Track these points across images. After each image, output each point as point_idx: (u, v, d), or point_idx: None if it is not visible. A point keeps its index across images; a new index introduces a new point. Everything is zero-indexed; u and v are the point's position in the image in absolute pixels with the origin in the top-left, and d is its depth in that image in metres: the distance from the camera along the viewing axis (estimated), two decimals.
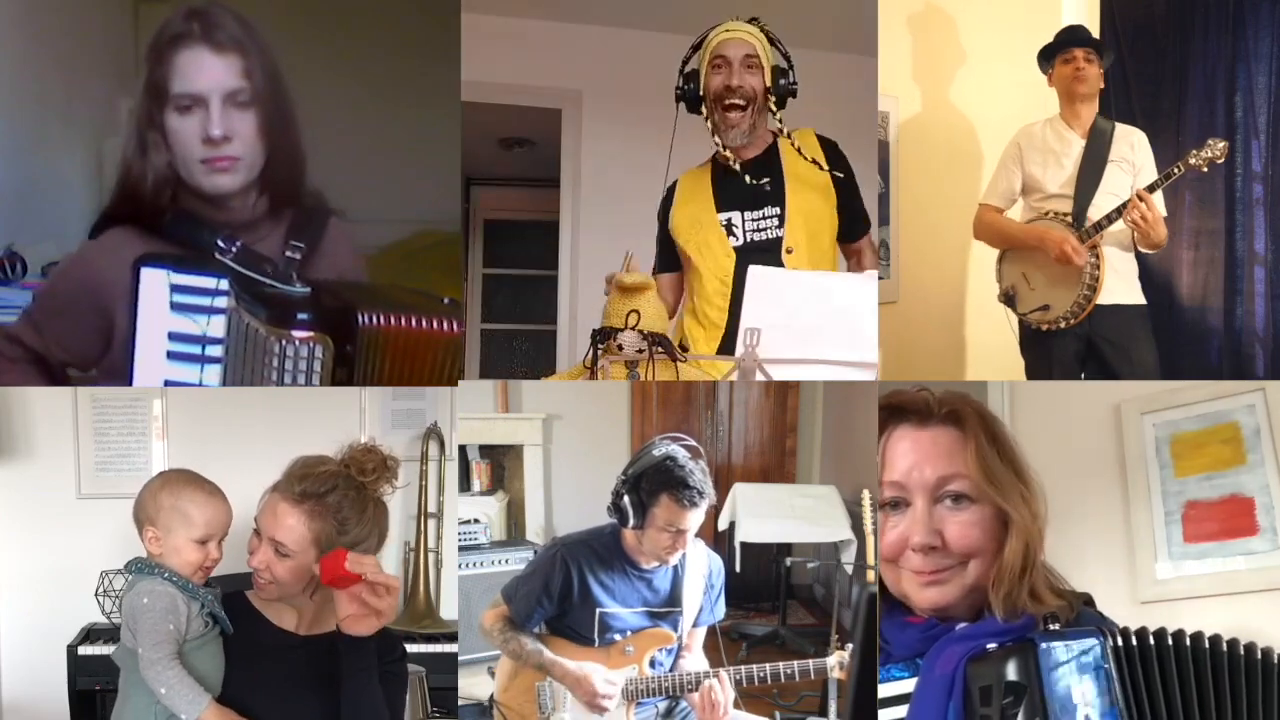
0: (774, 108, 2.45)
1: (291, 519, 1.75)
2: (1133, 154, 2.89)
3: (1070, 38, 2.95)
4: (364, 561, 1.70)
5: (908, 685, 1.42)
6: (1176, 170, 2.70)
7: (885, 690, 1.44)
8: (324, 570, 1.70)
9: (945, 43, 3.51)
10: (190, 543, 1.77)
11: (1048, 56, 2.96)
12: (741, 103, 2.43)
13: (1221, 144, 2.65)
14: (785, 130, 2.47)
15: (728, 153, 2.47)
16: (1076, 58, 2.90)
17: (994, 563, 1.38)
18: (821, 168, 2.46)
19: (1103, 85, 2.94)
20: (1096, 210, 2.82)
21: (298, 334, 1.89)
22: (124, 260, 1.95)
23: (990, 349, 3.54)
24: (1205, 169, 2.69)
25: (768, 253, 2.45)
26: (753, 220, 2.49)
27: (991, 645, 1.33)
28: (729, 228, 2.52)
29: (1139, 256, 2.93)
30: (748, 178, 2.46)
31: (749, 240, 2.49)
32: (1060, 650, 1.30)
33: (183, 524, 1.77)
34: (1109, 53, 2.97)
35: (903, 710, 1.41)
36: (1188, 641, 1.40)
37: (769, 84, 2.43)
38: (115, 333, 2.00)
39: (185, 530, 1.77)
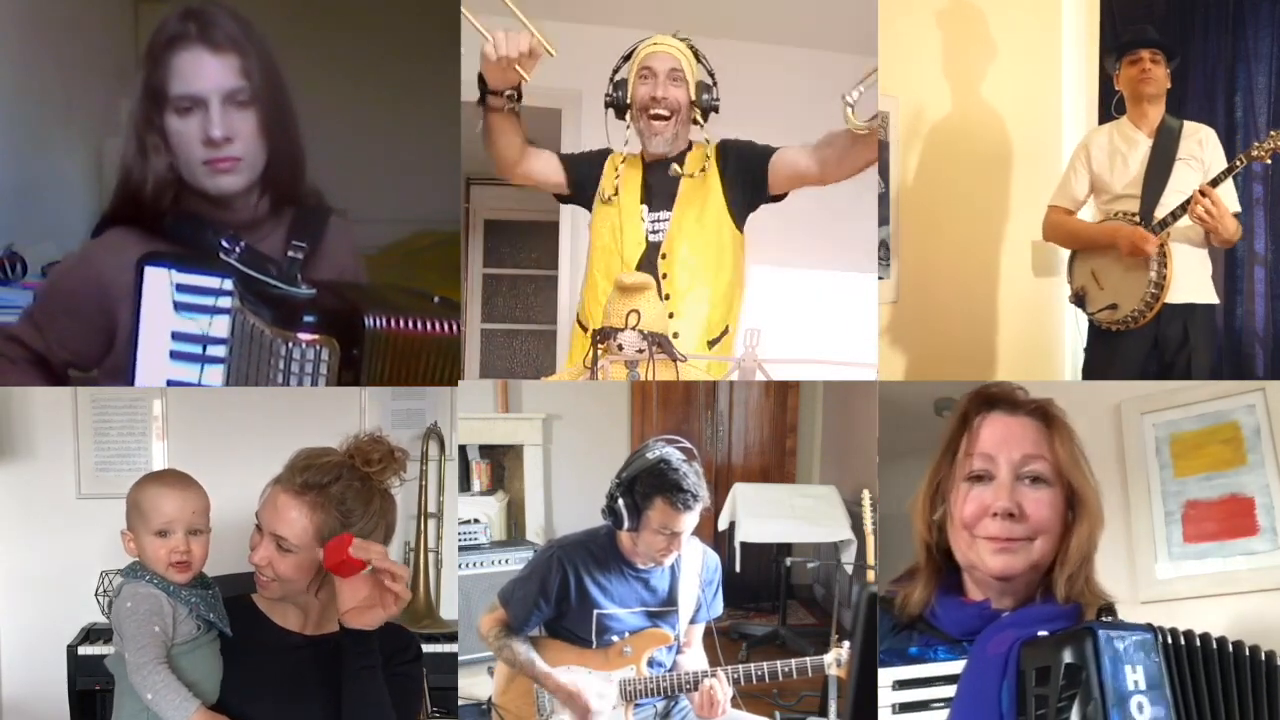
0: (699, 121, 2.52)
1: (293, 511, 1.70)
2: (1201, 151, 2.86)
3: (1136, 39, 2.94)
4: (370, 548, 1.65)
5: (953, 667, 1.55)
6: (1239, 162, 2.68)
7: (931, 670, 1.59)
8: (327, 555, 1.64)
9: (948, 42, 3.50)
10: (149, 537, 1.73)
11: (1114, 58, 2.95)
12: (666, 113, 2.50)
13: None
14: (706, 140, 2.52)
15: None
16: (1143, 59, 2.88)
17: (1057, 545, 1.54)
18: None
19: (1169, 84, 2.91)
20: (1164, 209, 2.79)
21: (303, 336, 1.88)
22: (127, 260, 1.94)
23: (991, 348, 3.54)
24: (1269, 160, 2.67)
25: (653, 250, 2.50)
26: (650, 220, 2.54)
27: (1043, 632, 1.44)
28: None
29: None
30: (676, 166, 2.51)
31: (646, 238, 2.54)
32: (1118, 639, 1.40)
33: (140, 520, 1.74)
34: (1177, 53, 2.94)
35: (948, 690, 1.55)
36: (1230, 647, 1.49)
37: (693, 97, 2.51)
38: (118, 332, 1.99)
39: (143, 525, 1.74)
